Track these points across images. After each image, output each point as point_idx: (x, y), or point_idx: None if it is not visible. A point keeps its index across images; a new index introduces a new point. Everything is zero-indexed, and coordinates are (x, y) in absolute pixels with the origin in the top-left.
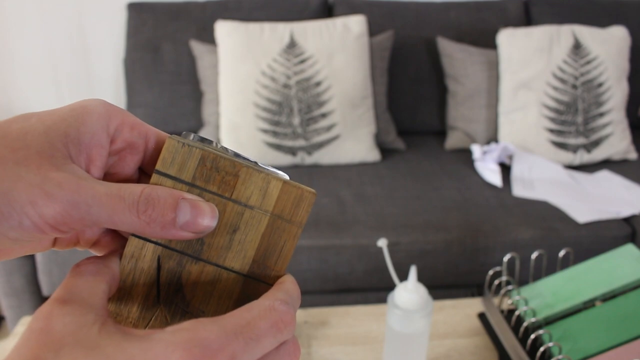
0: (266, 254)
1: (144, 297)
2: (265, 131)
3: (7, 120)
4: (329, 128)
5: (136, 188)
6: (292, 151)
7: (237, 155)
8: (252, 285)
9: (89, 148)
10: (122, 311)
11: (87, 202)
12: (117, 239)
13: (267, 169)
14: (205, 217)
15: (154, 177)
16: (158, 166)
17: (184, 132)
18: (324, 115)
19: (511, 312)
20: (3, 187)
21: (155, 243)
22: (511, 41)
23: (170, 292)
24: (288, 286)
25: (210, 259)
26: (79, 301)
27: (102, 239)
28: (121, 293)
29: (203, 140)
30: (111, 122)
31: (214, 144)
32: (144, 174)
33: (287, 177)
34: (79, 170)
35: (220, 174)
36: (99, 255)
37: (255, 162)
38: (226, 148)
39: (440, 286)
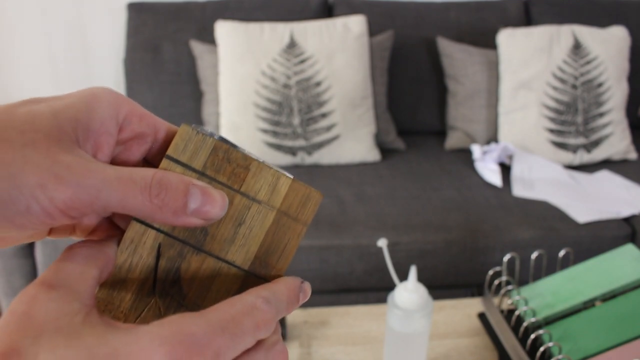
0: (269, 250)
1: (139, 286)
2: (265, 131)
3: (15, 104)
4: (329, 128)
5: (147, 172)
6: (292, 151)
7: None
8: (252, 282)
9: (97, 135)
10: (114, 299)
11: (96, 185)
12: (114, 228)
13: (276, 168)
14: (215, 204)
15: (164, 162)
16: (169, 152)
17: (200, 126)
18: (324, 115)
19: (511, 312)
20: (10, 171)
21: (158, 230)
22: (511, 41)
23: (167, 283)
24: (277, 287)
25: (213, 250)
26: (65, 287)
27: (99, 227)
28: (115, 280)
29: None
30: (120, 111)
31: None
32: (148, 164)
33: (292, 177)
34: (86, 155)
35: (232, 165)
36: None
37: (263, 161)
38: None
39: (440, 286)
